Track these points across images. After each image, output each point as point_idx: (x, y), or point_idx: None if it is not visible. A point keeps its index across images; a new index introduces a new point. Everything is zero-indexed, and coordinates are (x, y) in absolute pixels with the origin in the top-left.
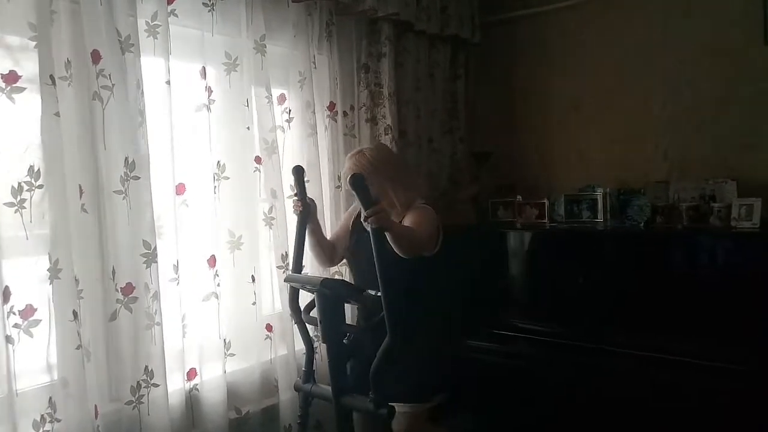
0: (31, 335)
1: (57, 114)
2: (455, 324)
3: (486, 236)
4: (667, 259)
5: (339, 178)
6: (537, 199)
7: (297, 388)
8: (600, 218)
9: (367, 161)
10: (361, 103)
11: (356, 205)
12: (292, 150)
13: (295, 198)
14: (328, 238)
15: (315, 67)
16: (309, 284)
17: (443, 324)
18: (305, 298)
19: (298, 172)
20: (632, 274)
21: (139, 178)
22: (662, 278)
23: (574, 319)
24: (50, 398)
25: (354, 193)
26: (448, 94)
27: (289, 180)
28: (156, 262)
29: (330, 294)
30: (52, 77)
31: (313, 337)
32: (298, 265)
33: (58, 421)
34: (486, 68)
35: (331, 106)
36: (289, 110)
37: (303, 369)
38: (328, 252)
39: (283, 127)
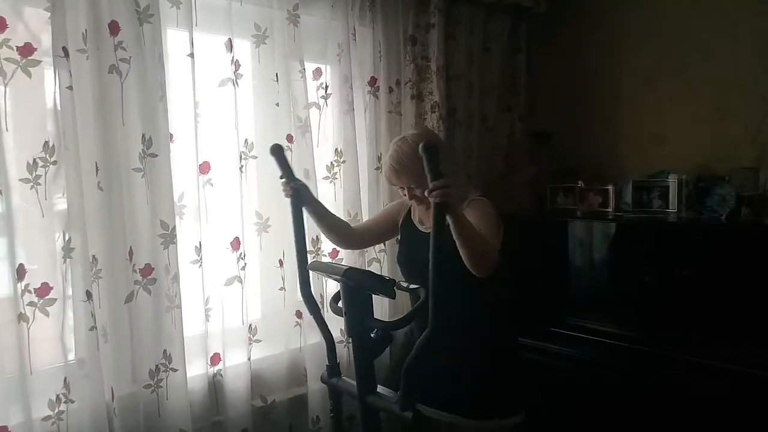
0: (47, 314)
1: (70, 87)
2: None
3: (542, 225)
4: (752, 258)
5: (379, 160)
6: (601, 185)
7: (324, 381)
8: (673, 208)
9: (410, 148)
10: (406, 78)
11: (403, 202)
12: (328, 128)
13: (282, 181)
14: (365, 223)
15: (355, 40)
16: (333, 273)
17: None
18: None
19: (277, 151)
20: (709, 274)
21: (157, 155)
22: (746, 280)
23: (641, 321)
24: (65, 378)
25: (424, 159)
26: (507, 69)
27: (323, 160)
28: (174, 243)
29: (354, 285)
30: (65, 49)
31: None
32: (302, 256)
33: (72, 402)
34: (551, 41)
35: (373, 81)
36: (326, 86)
37: (326, 363)
38: (342, 232)
39: (318, 104)
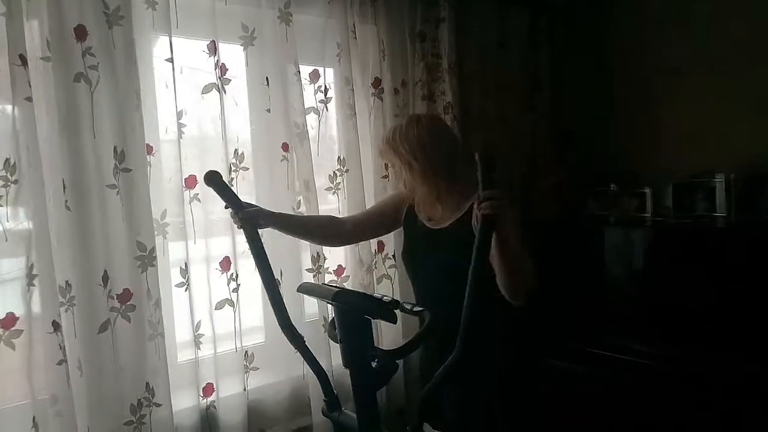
0: (12, 347)
1: (29, 99)
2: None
3: (573, 232)
4: None
5: (386, 167)
6: (636, 187)
7: (324, 415)
8: (722, 212)
9: (425, 132)
10: (416, 78)
11: (405, 195)
12: (330, 135)
13: (232, 212)
14: (361, 214)
15: (355, 38)
16: (322, 296)
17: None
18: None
19: (213, 179)
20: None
21: (131, 170)
22: None
23: (690, 341)
24: (33, 418)
25: (479, 166)
26: (527, 65)
27: (324, 169)
28: (154, 265)
29: (348, 309)
30: (22, 57)
31: None
32: (270, 284)
33: None
34: (574, 35)
35: (377, 83)
36: (325, 89)
37: (323, 398)
38: (329, 230)
39: (317, 109)
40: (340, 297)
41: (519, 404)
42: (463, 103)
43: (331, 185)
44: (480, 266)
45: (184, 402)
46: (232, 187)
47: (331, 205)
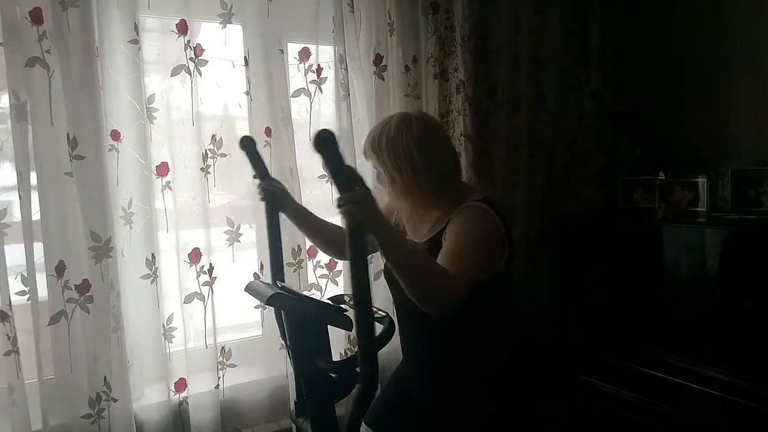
0: None
1: None
2: (560, 353)
3: (616, 229)
4: None
5: None
6: (690, 176)
7: (291, 419)
8: None
9: (415, 143)
10: (428, 53)
11: (392, 209)
12: (324, 118)
13: (255, 179)
14: None
15: (352, 11)
16: (260, 298)
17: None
18: None
19: (248, 145)
20: None
21: (84, 157)
22: None
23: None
24: None
25: (321, 156)
26: (574, 35)
27: (310, 155)
28: (111, 256)
29: (289, 312)
30: None
31: None
32: (278, 269)
33: None
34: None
35: (378, 60)
36: (318, 69)
37: (294, 399)
38: (337, 239)
39: (309, 91)
40: (276, 300)
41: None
42: (485, 80)
43: (325, 173)
44: (359, 280)
45: (153, 397)
46: (206, 175)
47: (326, 197)
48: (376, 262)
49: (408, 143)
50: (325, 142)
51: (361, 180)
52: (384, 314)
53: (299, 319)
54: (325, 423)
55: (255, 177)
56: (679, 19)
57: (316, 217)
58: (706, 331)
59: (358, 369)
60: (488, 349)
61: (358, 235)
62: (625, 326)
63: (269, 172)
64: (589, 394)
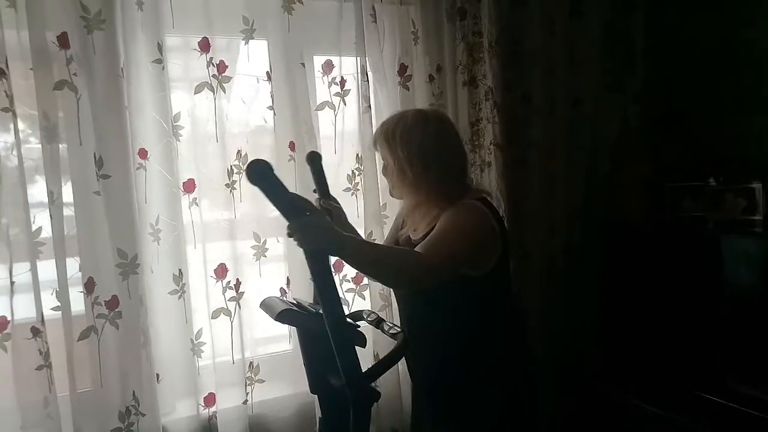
0: (5, 349)
1: (6, 109)
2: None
3: (662, 239)
4: None
5: None
6: (744, 182)
7: None
8: None
9: (430, 138)
10: (456, 61)
11: (401, 210)
12: (349, 131)
13: (317, 198)
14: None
15: (374, 21)
16: (271, 314)
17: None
18: None
19: (314, 160)
20: None
21: (110, 176)
22: None
23: None
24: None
25: (263, 187)
26: (613, 35)
27: (342, 168)
28: (137, 273)
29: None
30: (3, 70)
31: None
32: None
33: None
34: None
35: (402, 70)
36: (341, 81)
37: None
38: None
39: (332, 104)
40: (285, 317)
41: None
42: (511, 87)
43: (350, 186)
44: (330, 300)
45: (183, 411)
46: (232, 191)
47: (351, 209)
48: None
49: (424, 137)
50: (260, 176)
51: (309, 203)
52: (399, 330)
53: (312, 336)
54: None
55: (315, 192)
56: (734, 14)
57: (364, 240)
58: None
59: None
60: (485, 353)
61: (318, 259)
62: (681, 345)
63: (329, 189)
64: (642, 419)
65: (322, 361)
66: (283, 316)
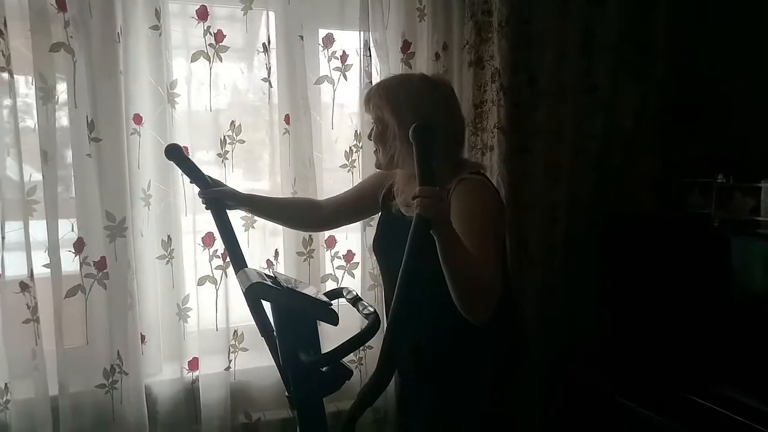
0: None
1: (3, 68)
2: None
3: (667, 236)
4: None
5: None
6: (753, 180)
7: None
8: None
9: (437, 94)
10: (463, 40)
11: (386, 174)
12: (348, 106)
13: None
14: (339, 196)
15: None
16: (243, 286)
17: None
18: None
19: (174, 153)
20: None
21: (101, 140)
22: None
23: None
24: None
25: (414, 146)
26: (634, 18)
27: (339, 144)
28: (124, 236)
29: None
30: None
31: None
32: (241, 266)
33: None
34: None
35: (406, 47)
36: (341, 56)
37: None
38: (306, 213)
39: (332, 78)
40: (253, 291)
41: None
42: (519, 69)
43: (346, 162)
44: (411, 270)
45: (167, 373)
46: (224, 161)
47: (346, 185)
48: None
49: (431, 105)
50: (424, 129)
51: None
52: (372, 310)
53: (285, 311)
54: (313, 417)
55: (191, 183)
56: (757, 12)
57: (271, 198)
58: None
59: (342, 362)
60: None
61: (422, 228)
62: (676, 344)
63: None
64: (631, 421)
65: (296, 337)
66: (252, 289)
